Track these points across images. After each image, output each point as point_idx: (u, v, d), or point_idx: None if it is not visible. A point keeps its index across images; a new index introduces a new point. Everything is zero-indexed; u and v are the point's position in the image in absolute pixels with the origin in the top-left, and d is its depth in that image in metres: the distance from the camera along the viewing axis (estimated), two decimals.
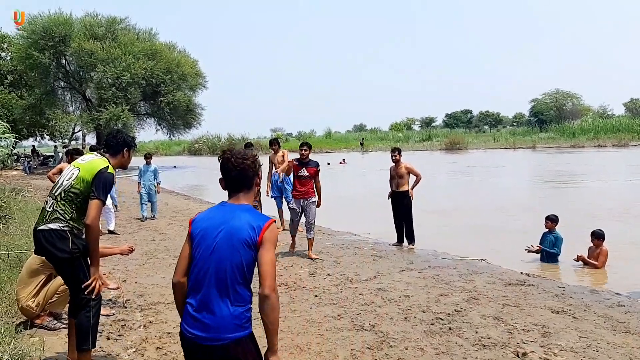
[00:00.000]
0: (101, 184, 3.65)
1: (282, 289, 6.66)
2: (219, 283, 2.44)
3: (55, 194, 3.73)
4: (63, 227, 3.65)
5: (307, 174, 8.58)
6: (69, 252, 3.64)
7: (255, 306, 2.46)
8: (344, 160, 38.76)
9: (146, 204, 12.66)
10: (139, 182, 12.63)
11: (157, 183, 12.66)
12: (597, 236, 8.13)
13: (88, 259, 3.75)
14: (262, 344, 2.55)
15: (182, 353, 2.62)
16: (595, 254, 8.08)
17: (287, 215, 11.15)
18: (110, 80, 33.62)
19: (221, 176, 2.65)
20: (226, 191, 2.67)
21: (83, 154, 10.98)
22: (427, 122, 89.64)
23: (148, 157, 13.00)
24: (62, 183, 3.74)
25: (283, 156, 11.01)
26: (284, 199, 11.03)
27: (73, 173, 3.74)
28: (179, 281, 2.60)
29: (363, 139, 64.84)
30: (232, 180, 2.59)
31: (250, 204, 2.61)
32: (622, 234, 9.96)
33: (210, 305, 2.43)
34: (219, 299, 2.43)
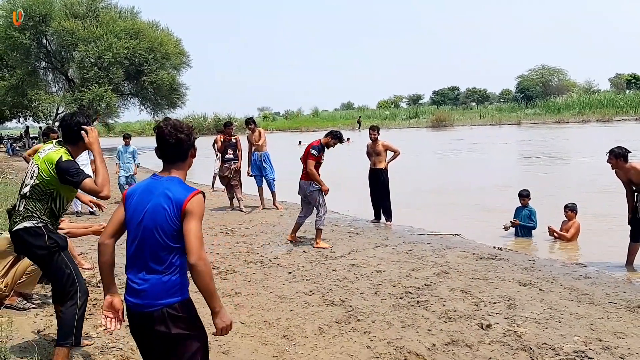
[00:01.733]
0: (69, 170, 3.53)
1: (258, 267, 6.74)
2: (149, 254, 2.53)
3: (24, 194, 3.65)
4: (37, 223, 3.59)
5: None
6: (46, 247, 3.61)
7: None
8: (348, 139, 37.66)
9: (125, 186, 12.29)
10: (117, 164, 12.40)
11: (135, 165, 12.42)
12: (570, 209, 8.25)
13: (68, 251, 3.75)
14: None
15: None
16: (567, 227, 8.21)
17: (267, 194, 11.22)
18: (92, 60, 33.17)
19: (156, 146, 2.67)
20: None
21: (57, 132, 10.92)
22: (415, 100, 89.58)
23: (127, 137, 12.76)
24: (26, 182, 3.67)
25: (260, 134, 11.01)
26: (263, 178, 11.04)
27: (34, 171, 3.64)
28: (103, 242, 2.67)
29: (360, 117, 64.42)
30: (165, 151, 2.62)
31: (181, 176, 2.64)
32: (600, 208, 10.09)
33: (142, 275, 2.53)
34: (150, 269, 2.53)
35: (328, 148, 7.86)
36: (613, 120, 48.30)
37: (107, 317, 2.73)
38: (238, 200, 11.13)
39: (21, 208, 3.65)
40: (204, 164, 15.86)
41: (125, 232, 2.68)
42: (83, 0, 35.48)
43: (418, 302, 5.28)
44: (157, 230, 2.51)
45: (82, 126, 3.68)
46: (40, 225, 3.59)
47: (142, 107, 39.38)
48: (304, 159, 7.76)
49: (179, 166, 2.65)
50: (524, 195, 8.62)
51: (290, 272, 6.46)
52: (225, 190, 11.59)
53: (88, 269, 6.44)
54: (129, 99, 39.35)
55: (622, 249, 6.85)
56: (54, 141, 3.81)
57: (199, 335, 2.63)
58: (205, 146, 18.03)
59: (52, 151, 3.63)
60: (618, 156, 6.46)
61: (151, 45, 34.65)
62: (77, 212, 10.83)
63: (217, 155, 14.06)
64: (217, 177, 13.64)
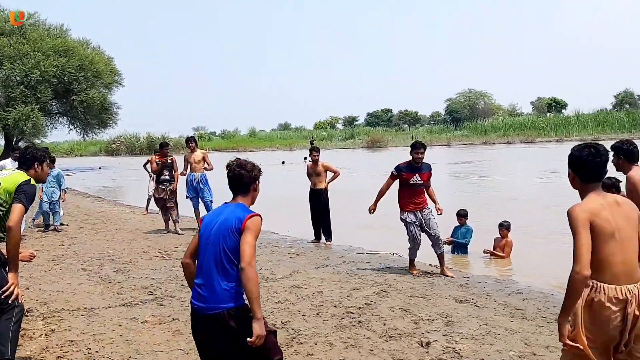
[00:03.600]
0: (24, 192, 3.80)
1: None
2: (214, 264, 3.02)
3: None
4: None
5: (420, 181, 7.21)
6: None
7: None
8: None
9: (49, 212, 11.16)
10: (40, 187, 11.03)
11: (63, 190, 11.24)
12: (505, 227, 8.59)
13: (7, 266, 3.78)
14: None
15: None
16: (502, 244, 8.52)
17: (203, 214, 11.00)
18: (18, 78, 31.81)
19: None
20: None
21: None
22: (350, 121, 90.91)
23: (50, 160, 11.83)
24: None
25: (204, 157, 10.83)
26: (200, 199, 10.85)
27: None
28: (185, 261, 3.25)
29: (313, 137, 64.48)
30: (231, 184, 3.22)
31: (246, 203, 3.19)
32: (531, 224, 10.53)
33: (209, 282, 3.01)
34: (215, 277, 3.00)
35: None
36: (535, 141, 50.85)
37: None
38: (174, 223, 10.86)
39: None
40: (139, 186, 15.43)
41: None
42: (9, 16, 34.03)
43: (359, 321, 5.31)
44: (223, 244, 3.02)
45: None
46: None
47: (72, 127, 37.96)
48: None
49: (244, 196, 3.21)
50: (462, 215, 8.90)
51: None
52: (160, 213, 11.28)
53: None
54: (57, 118, 37.88)
55: (552, 264, 7.17)
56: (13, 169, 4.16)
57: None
58: (138, 167, 17.64)
59: (19, 173, 3.98)
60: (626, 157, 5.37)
61: (81, 64, 33.61)
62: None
63: (150, 176, 13.75)
64: (152, 199, 13.32)
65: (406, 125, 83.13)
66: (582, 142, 3.13)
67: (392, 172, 7.28)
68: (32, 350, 4.64)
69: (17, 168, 4.14)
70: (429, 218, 7.19)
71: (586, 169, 2.85)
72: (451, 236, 8.90)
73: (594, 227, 2.69)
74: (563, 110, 72.51)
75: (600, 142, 3.10)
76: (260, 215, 3.08)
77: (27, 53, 31.44)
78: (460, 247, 8.77)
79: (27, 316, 5.50)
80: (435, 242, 7.21)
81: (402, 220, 7.29)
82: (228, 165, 3.24)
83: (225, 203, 3.23)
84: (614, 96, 72.88)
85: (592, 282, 2.71)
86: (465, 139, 57.07)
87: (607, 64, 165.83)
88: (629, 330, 2.70)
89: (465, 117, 69.49)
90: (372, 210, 7.54)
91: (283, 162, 35.14)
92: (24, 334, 4.95)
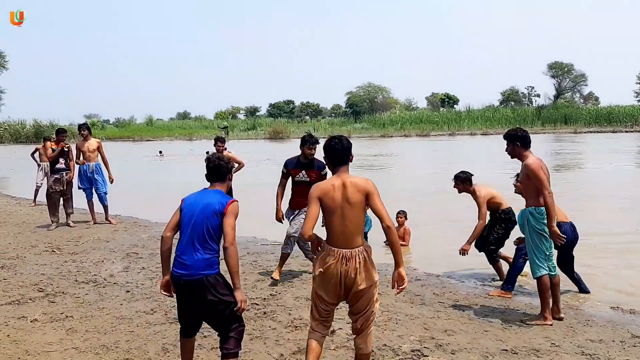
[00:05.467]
0: None
1: (91, 287, 6.25)
2: (197, 239, 3.49)
3: None
4: None
5: (307, 179, 6.45)
6: None
7: None
8: (160, 152, 34.25)
9: None
10: None
11: None
12: (403, 215, 8.89)
13: None
14: None
15: None
16: (400, 233, 8.80)
17: (97, 208, 10.47)
18: None
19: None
20: None
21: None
22: (252, 112, 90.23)
23: None
24: None
25: (98, 147, 10.27)
26: (94, 190, 10.30)
27: None
28: (167, 235, 3.60)
29: (226, 125, 62.59)
30: (210, 173, 3.72)
31: (223, 189, 3.71)
32: (425, 214, 10.99)
33: (190, 253, 3.48)
34: (196, 249, 3.48)
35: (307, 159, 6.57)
36: (430, 135, 53.28)
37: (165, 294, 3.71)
38: (67, 215, 10.22)
39: None
40: (25, 177, 14.37)
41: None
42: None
43: (265, 312, 5.30)
44: (206, 223, 3.50)
45: None
46: None
47: None
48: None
49: (221, 184, 3.74)
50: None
51: (128, 291, 6.09)
52: (47, 204, 10.45)
53: None
54: None
55: (445, 251, 7.51)
56: None
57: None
58: (24, 156, 16.41)
59: None
60: (464, 181, 6.51)
61: None
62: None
63: (39, 165, 12.86)
64: (39, 190, 12.49)
65: (308, 117, 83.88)
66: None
67: (282, 171, 6.62)
68: None
69: None
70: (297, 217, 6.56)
71: (328, 155, 3.69)
72: None
73: (322, 203, 3.55)
74: (455, 106, 76.50)
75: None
76: (237, 201, 3.61)
77: None
78: None
79: None
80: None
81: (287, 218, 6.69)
82: (208, 159, 3.76)
83: (205, 189, 3.71)
84: (501, 93, 77.92)
85: (324, 244, 3.61)
86: (365, 131, 58.57)
87: (495, 62, 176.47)
88: (344, 284, 3.55)
89: (365, 110, 71.36)
90: (280, 219, 6.72)
91: (160, 152, 33.21)
92: None
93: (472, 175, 6.57)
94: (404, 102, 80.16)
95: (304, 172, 6.49)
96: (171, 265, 3.59)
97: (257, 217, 11.19)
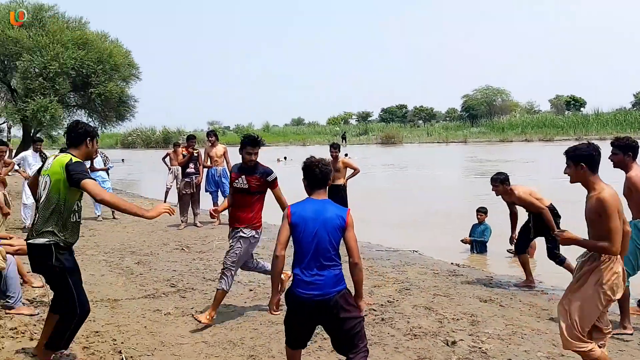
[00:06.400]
0: (77, 169, 3.69)
1: (217, 284, 6.57)
2: (323, 255, 3.36)
3: (40, 207, 3.80)
4: (48, 241, 3.72)
5: (245, 185, 5.35)
6: (56, 266, 3.76)
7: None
8: (285, 158, 35.49)
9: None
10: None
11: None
12: (482, 212, 8.61)
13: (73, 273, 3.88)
14: None
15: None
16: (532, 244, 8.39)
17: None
18: (37, 70, 31.87)
19: (303, 177, 3.55)
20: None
21: (7, 145, 10.39)
22: (364, 117, 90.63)
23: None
24: (40, 195, 3.79)
25: (224, 153, 10.89)
26: (219, 193, 10.89)
27: (46, 182, 3.76)
28: (281, 254, 3.43)
29: (345, 132, 63.97)
30: (316, 180, 3.50)
31: (325, 197, 3.54)
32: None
33: (318, 271, 3.35)
34: (324, 266, 3.35)
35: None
36: (554, 139, 50.35)
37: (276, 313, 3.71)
38: (194, 215, 10.91)
39: (37, 221, 3.79)
40: (157, 179, 15.50)
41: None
42: (29, 8, 34.25)
43: (382, 319, 5.27)
44: (329, 239, 3.36)
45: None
46: (51, 243, 3.72)
47: (89, 119, 38.11)
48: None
49: (325, 191, 3.56)
50: (481, 212, 8.80)
51: (251, 290, 6.35)
52: (178, 205, 11.23)
53: (39, 287, 6.14)
54: (75, 110, 38.06)
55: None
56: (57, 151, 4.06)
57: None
58: (156, 160, 17.72)
59: (60, 156, 3.84)
60: (503, 181, 6.58)
61: (100, 57, 33.67)
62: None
63: (169, 169, 13.79)
64: (169, 191, 13.40)
65: (421, 122, 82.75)
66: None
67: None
68: None
69: (67, 144, 3.97)
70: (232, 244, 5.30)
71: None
72: (469, 235, 8.82)
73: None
74: (582, 109, 71.69)
75: None
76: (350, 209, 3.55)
77: (46, 45, 31.52)
78: (479, 245, 8.69)
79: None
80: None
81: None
82: (310, 162, 3.54)
83: (312, 199, 3.50)
84: (634, 95, 71.85)
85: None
86: (482, 136, 56.69)
87: (627, 62, 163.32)
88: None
89: (482, 114, 69.01)
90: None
91: (285, 158, 34.07)
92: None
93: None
94: (525, 105, 76.43)
95: (243, 177, 5.33)
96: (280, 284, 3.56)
97: (372, 222, 11.26)
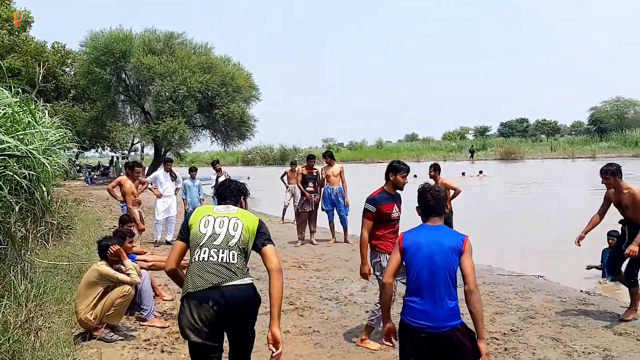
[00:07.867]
0: (268, 232, 3.61)
1: (333, 304, 6.65)
2: (440, 284, 3.19)
3: (228, 245, 3.45)
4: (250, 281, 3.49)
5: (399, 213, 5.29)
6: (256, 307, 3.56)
7: None
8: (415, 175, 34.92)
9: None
10: (184, 199, 11.48)
11: (200, 199, 11.59)
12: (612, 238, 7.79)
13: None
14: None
15: None
16: None
17: (337, 228, 11.18)
18: (167, 94, 34.53)
19: (417, 205, 3.48)
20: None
21: (142, 166, 11.26)
22: (482, 131, 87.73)
23: (193, 171, 11.97)
24: (227, 233, 3.44)
25: (340, 172, 11.00)
26: (335, 212, 11.03)
27: (237, 224, 3.47)
28: (389, 282, 3.37)
29: (473, 146, 62.98)
30: (430, 207, 3.41)
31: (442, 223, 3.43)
32: None
33: (433, 302, 3.17)
34: (440, 297, 3.18)
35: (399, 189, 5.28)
36: None
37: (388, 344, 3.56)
38: (311, 233, 11.15)
39: (224, 261, 3.42)
40: (274, 197, 16.02)
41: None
42: (160, 36, 37.23)
43: (505, 349, 5.03)
44: (446, 266, 3.20)
45: None
46: (251, 282, 3.47)
47: (214, 139, 40.53)
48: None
49: (440, 217, 3.43)
50: (613, 236, 8.14)
51: (367, 311, 6.32)
52: (296, 223, 11.57)
53: (169, 300, 6.57)
54: (200, 130, 40.65)
55: None
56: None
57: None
58: (274, 178, 18.38)
59: (248, 213, 3.64)
60: (615, 173, 5.85)
61: (223, 79, 35.75)
62: (156, 241, 11.08)
63: (287, 187, 14.22)
64: (295, 209, 13.82)
65: (544, 136, 78.54)
66: None
67: (367, 210, 5.12)
68: (186, 354, 4.90)
69: (220, 201, 3.74)
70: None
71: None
72: (601, 260, 8.17)
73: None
74: None
75: None
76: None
77: (176, 70, 34.06)
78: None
79: None
80: None
81: (377, 264, 5.27)
82: (424, 190, 3.47)
83: (424, 225, 3.43)
84: None
85: None
86: (612, 150, 52.55)
87: None
88: None
89: (612, 127, 64.13)
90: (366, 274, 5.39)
91: (415, 176, 33.64)
92: (179, 337, 5.29)
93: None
94: None
95: (396, 205, 5.20)
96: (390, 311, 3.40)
97: (491, 245, 10.83)
